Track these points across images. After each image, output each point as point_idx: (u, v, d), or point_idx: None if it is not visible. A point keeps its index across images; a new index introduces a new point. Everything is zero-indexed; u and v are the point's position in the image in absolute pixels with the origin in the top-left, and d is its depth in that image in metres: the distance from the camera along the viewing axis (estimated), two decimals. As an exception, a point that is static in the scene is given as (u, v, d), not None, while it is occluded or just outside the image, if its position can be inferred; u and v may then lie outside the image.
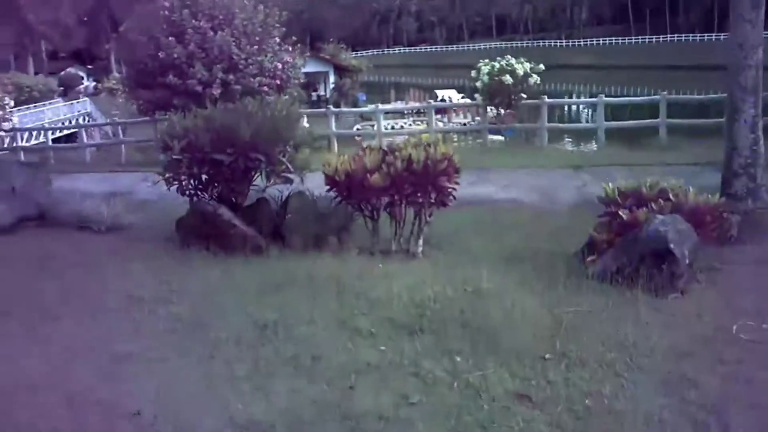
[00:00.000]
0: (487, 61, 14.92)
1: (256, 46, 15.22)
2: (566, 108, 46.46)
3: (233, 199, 8.33)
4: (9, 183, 10.80)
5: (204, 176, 8.07)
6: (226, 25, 15.32)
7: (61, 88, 55.56)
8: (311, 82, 55.39)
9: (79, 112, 42.31)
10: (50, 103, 42.08)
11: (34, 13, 56.38)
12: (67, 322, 6.28)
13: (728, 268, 7.22)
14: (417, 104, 51.19)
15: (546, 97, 15.11)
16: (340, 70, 53.45)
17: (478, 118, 47.89)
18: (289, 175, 7.77)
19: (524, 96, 14.54)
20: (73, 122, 41.15)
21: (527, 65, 14.47)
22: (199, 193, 8.29)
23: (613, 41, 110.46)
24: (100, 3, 64.90)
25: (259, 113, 7.42)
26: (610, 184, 7.92)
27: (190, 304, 6.51)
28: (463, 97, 56.91)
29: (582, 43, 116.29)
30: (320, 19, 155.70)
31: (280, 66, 15.44)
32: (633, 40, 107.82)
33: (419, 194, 8.13)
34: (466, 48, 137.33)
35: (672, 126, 17.19)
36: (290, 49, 16.13)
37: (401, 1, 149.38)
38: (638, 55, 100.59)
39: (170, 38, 14.71)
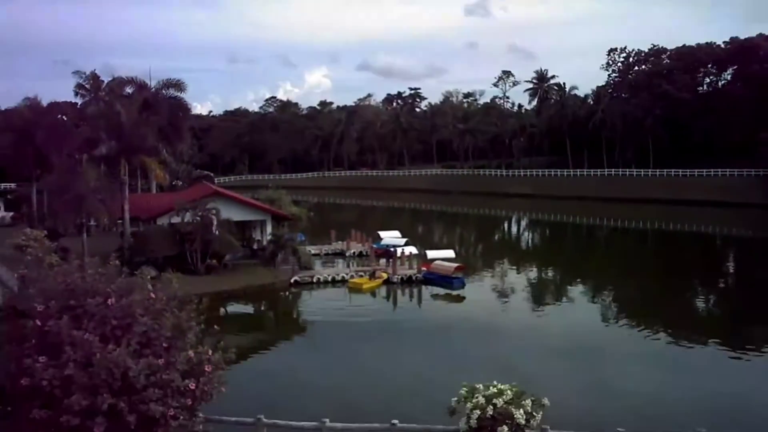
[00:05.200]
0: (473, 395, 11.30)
1: (162, 359, 11.14)
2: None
3: None
4: None
5: None
6: (122, 331, 11.29)
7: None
8: (249, 227, 51.65)
9: (-25, 272, 36.78)
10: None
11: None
12: None
13: None
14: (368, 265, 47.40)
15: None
16: (279, 219, 50.29)
17: (424, 269, 44.82)
18: None
19: None
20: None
21: (528, 404, 10.96)
22: None
23: (551, 173, 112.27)
24: (23, 135, 60.24)
25: None
26: None
27: None
28: (407, 243, 53.82)
29: (521, 173, 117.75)
30: (261, 142, 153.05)
31: (193, 386, 11.38)
32: (570, 172, 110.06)
33: None
34: (405, 173, 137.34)
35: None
36: (210, 353, 12.03)
37: (344, 127, 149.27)
38: (574, 187, 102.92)
39: (40, 358, 10.56)
